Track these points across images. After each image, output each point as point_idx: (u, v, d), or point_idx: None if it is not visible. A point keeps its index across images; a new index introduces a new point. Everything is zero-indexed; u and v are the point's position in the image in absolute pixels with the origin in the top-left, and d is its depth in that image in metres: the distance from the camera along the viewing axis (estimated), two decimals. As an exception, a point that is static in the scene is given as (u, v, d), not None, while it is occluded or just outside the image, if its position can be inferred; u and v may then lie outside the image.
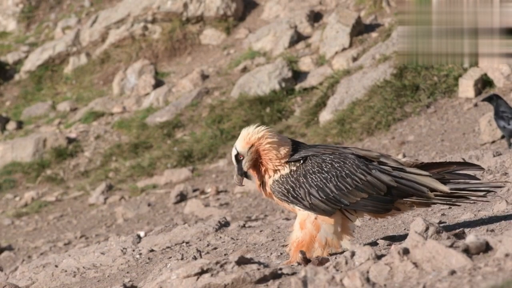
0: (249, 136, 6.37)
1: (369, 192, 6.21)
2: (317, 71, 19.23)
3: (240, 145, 6.39)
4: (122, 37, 22.49)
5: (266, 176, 6.39)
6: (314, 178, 6.24)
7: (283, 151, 6.35)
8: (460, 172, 6.42)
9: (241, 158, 6.39)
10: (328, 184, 6.21)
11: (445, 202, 6.38)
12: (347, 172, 6.23)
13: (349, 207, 6.22)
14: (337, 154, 6.32)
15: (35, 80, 22.93)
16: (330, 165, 6.25)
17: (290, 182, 6.27)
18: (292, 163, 6.33)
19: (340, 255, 6.12)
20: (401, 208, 6.34)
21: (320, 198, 6.20)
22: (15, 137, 20.82)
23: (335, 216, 6.24)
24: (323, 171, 6.25)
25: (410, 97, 16.68)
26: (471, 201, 6.48)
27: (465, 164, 6.55)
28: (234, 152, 6.41)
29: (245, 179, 6.52)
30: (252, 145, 6.36)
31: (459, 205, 6.79)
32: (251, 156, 6.37)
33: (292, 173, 6.30)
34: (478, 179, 6.45)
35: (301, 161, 6.32)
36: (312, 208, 6.21)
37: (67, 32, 23.84)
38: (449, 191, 6.28)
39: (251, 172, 6.48)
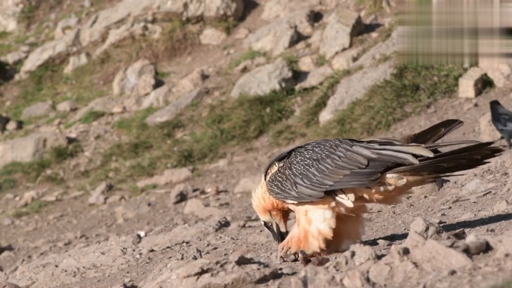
0: (260, 205, 6.48)
1: (350, 167, 6.18)
2: (317, 71, 19.23)
3: (261, 215, 6.53)
4: (122, 37, 22.48)
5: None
6: (297, 167, 6.31)
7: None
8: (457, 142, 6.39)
9: (270, 224, 6.54)
10: (310, 169, 6.26)
11: (435, 168, 6.15)
12: (326, 153, 6.27)
13: (334, 187, 6.20)
14: (321, 140, 6.44)
15: (35, 80, 22.92)
16: (311, 151, 6.32)
17: (278, 178, 6.36)
18: (280, 160, 6.43)
19: (340, 255, 6.12)
20: (392, 182, 6.18)
21: (304, 185, 6.24)
22: (15, 137, 20.81)
23: (324, 201, 6.22)
24: (305, 158, 6.31)
25: (410, 97, 16.68)
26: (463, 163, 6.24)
27: (449, 123, 6.38)
28: (262, 222, 6.59)
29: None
30: (268, 211, 6.48)
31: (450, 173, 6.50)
32: (278, 218, 6.50)
33: (279, 169, 6.38)
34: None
35: (287, 156, 6.41)
36: (300, 196, 6.26)
37: (67, 32, 23.84)
38: (434, 155, 6.10)
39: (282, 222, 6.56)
